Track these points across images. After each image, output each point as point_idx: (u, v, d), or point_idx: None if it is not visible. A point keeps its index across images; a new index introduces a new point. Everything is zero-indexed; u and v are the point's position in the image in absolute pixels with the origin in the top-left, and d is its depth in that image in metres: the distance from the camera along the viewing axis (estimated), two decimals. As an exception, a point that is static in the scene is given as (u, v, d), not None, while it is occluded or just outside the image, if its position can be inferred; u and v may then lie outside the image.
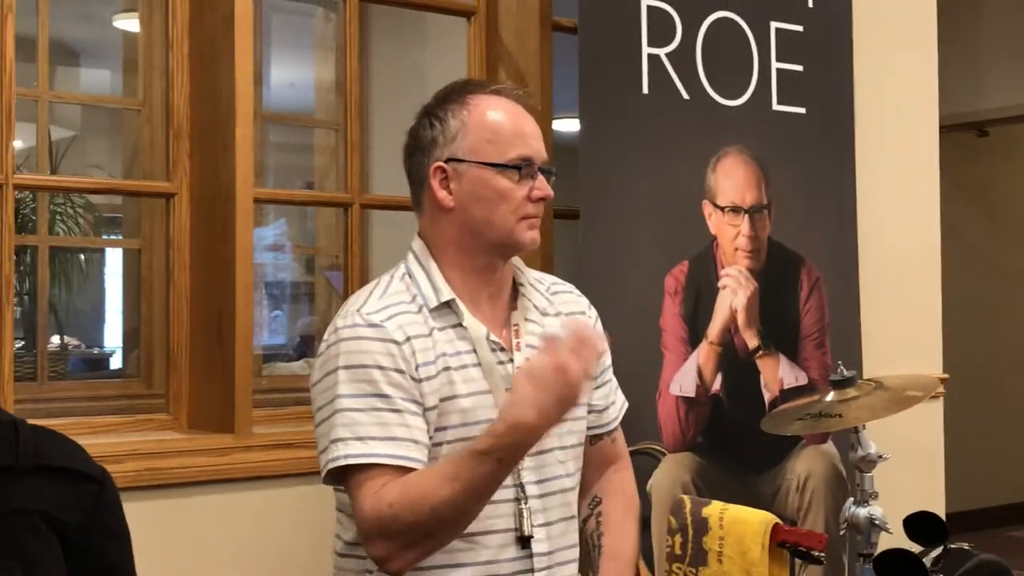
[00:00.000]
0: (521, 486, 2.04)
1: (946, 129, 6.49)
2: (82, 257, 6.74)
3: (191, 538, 2.58)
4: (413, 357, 1.98)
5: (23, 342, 4.83)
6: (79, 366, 6.42)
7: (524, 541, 2.03)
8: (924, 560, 2.05)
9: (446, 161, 2.08)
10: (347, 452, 1.93)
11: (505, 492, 1.99)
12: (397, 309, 2.03)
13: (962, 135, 6.98)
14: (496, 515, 2.00)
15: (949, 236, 4.05)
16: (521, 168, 2.05)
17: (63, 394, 4.10)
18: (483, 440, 1.85)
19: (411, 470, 1.92)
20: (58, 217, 5.42)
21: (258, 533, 2.65)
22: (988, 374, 7.03)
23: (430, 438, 1.98)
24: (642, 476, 2.93)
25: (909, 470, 3.73)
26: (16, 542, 1.18)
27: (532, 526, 2.04)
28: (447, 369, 2.01)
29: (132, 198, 4.03)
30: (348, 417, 1.94)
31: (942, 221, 3.93)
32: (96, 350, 7.62)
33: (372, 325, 1.99)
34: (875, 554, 2.32)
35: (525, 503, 2.03)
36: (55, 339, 5.80)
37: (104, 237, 7.11)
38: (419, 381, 1.98)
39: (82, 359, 6.75)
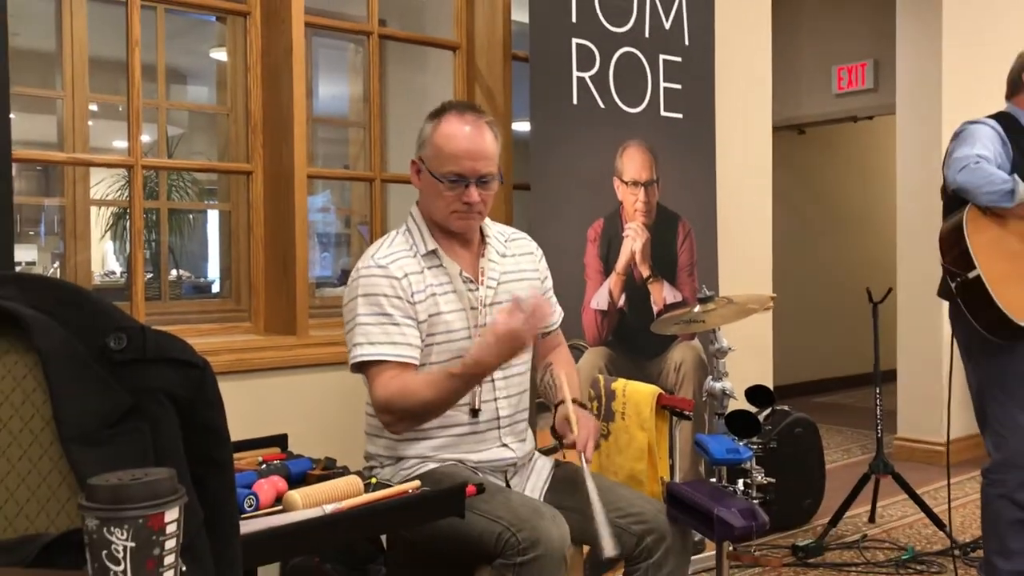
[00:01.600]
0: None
1: (777, 129, 6.50)
2: (191, 216, 6.64)
3: (267, 407, 2.57)
4: (409, 287, 1.98)
5: (152, 274, 4.77)
6: (190, 290, 6.35)
7: (475, 412, 2.02)
8: (759, 417, 2.06)
9: (418, 158, 2.06)
10: (362, 352, 1.94)
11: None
12: (399, 255, 2.01)
13: (787, 133, 6.98)
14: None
15: (778, 202, 4.06)
16: (452, 181, 1.98)
17: (179, 309, 4.06)
18: (456, 366, 1.87)
19: (407, 364, 1.93)
20: (173, 188, 5.33)
21: (313, 402, 2.65)
22: (803, 291, 7.09)
23: (423, 341, 1.98)
24: (571, 363, 2.95)
25: (749, 357, 3.76)
26: (146, 410, 1.16)
27: (498, 399, 2.05)
28: (433, 295, 2.00)
29: (223, 175, 3.97)
30: (363, 329, 1.94)
31: (774, 192, 3.93)
32: (203, 280, 7.55)
33: (381, 266, 1.98)
34: (726, 413, 2.35)
35: (479, 386, 2.00)
36: (173, 272, 5.74)
37: (206, 202, 7.00)
38: (414, 304, 1.97)
39: (192, 286, 6.67)
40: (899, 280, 4.98)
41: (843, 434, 5.76)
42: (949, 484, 2.99)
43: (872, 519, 3.87)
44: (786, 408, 3.83)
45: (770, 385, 3.94)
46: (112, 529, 0.75)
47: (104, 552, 0.75)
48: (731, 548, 2.65)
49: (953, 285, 2.52)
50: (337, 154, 6.34)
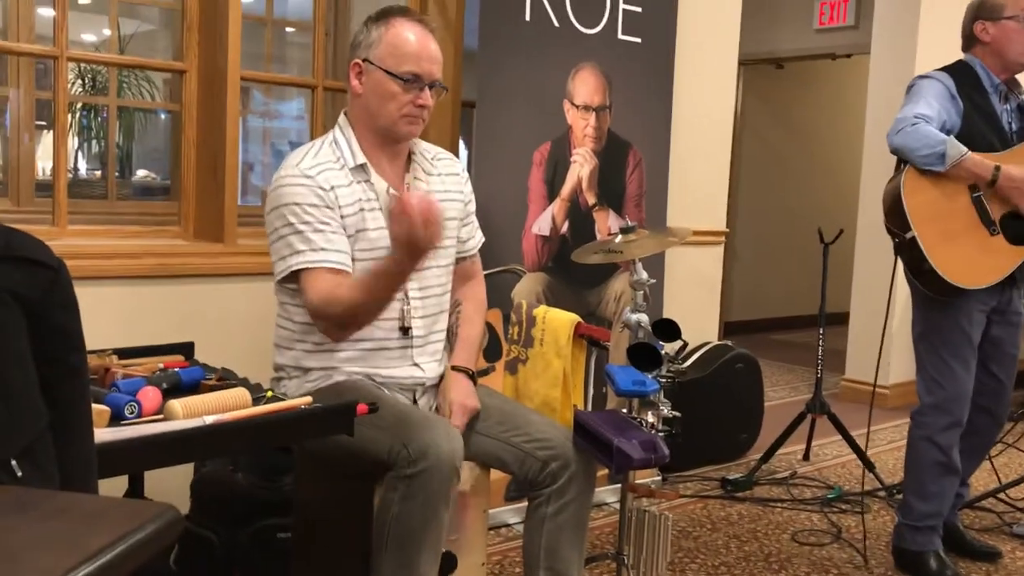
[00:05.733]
0: (406, 291, 2.00)
1: (752, 62, 6.36)
2: (161, 116, 6.44)
3: (185, 315, 2.52)
4: (337, 200, 1.92)
5: (97, 173, 4.65)
6: (140, 191, 6.18)
7: (405, 330, 2.00)
8: (666, 351, 2.01)
9: (362, 60, 1.98)
10: (294, 262, 1.88)
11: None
12: (325, 167, 1.95)
13: (764, 67, 6.83)
14: (389, 310, 1.96)
15: (752, 137, 3.98)
16: (408, 80, 1.93)
17: (124, 209, 3.98)
18: (380, 266, 1.80)
19: (340, 271, 1.88)
20: (124, 85, 5.15)
21: (236, 311, 2.61)
22: (768, 228, 7.05)
23: (352, 256, 1.93)
24: (509, 287, 2.91)
25: (698, 291, 3.75)
26: (-14, 308, 1.10)
27: (412, 319, 2.01)
28: (362, 210, 1.95)
29: (176, 75, 3.84)
30: (290, 240, 1.89)
31: (747, 126, 3.86)
32: (169, 181, 7.38)
33: (308, 176, 1.91)
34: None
35: (407, 304, 2.00)
36: (140, 172, 5.60)
37: (154, 101, 6.78)
38: (344, 217, 1.92)
39: (143, 186, 6.49)
40: (859, 222, 4.95)
41: (793, 372, 5.79)
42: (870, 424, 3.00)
43: (807, 457, 3.91)
44: (728, 343, 3.83)
45: (716, 321, 3.93)
46: None
47: None
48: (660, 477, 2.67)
49: (893, 245, 2.59)
50: (301, 59, 6.17)
